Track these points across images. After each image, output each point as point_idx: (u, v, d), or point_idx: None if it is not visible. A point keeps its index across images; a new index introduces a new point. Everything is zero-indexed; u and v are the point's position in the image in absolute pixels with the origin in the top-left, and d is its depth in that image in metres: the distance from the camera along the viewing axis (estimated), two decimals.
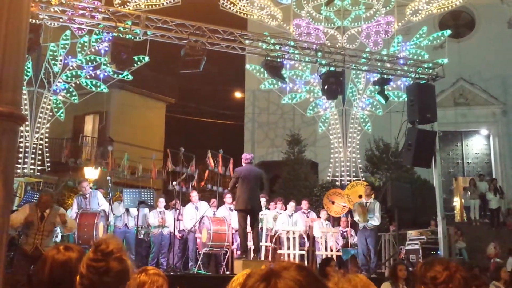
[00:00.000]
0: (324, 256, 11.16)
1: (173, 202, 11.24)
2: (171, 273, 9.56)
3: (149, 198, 10.19)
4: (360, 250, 11.12)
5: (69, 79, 14.82)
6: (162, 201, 11.55)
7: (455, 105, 21.51)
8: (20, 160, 13.86)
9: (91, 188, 10.89)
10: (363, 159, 17.73)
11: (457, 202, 19.24)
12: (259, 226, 10.07)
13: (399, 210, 12.06)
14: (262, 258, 9.88)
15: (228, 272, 10.14)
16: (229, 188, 9.68)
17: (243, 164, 9.64)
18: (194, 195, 11.34)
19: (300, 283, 1.15)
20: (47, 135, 15.11)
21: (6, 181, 2.38)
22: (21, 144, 13.98)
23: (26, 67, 13.74)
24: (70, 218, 8.31)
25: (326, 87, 11.27)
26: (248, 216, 9.35)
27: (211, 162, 12.28)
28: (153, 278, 2.89)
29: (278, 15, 17.36)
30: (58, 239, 10.14)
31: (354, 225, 12.06)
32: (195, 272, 9.94)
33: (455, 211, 19.29)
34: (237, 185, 9.39)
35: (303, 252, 11.12)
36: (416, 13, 17.06)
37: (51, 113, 14.91)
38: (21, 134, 14.06)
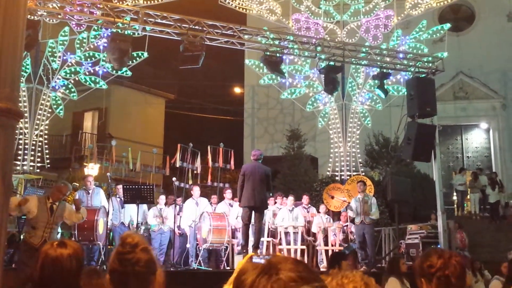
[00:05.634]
0: (324, 251, 11.18)
1: (174, 198, 11.19)
2: (172, 269, 9.59)
3: (149, 195, 10.14)
4: (358, 245, 11.13)
5: (68, 75, 14.77)
6: (162, 198, 11.51)
7: (455, 99, 21.48)
8: (19, 157, 13.84)
9: (95, 185, 10.78)
10: (363, 153, 17.72)
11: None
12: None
13: (399, 204, 12.08)
14: (264, 254, 9.91)
15: (228, 268, 10.16)
16: (238, 186, 9.68)
17: (252, 160, 9.69)
18: (196, 189, 11.21)
19: (299, 274, 1.17)
20: (46, 132, 15.09)
21: (4, 177, 2.37)
22: (20, 141, 13.96)
23: (25, 64, 13.69)
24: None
25: (327, 81, 11.28)
26: (253, 213, 9.38)
27: (209, 159, 12.29)
28: None
29: (277, 10, 17.30)
30: (58, 236, 10.11)
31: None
32: (195, 268, 9.95)
33: (455, 205, 19.28)
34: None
35: (304, 247, 11.13)
36: (416, 6, 17.00)
37: (50, 110, 14.87)
38: (21, 131, 14.04)
